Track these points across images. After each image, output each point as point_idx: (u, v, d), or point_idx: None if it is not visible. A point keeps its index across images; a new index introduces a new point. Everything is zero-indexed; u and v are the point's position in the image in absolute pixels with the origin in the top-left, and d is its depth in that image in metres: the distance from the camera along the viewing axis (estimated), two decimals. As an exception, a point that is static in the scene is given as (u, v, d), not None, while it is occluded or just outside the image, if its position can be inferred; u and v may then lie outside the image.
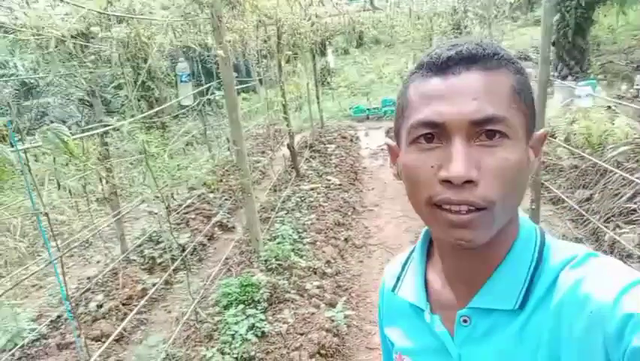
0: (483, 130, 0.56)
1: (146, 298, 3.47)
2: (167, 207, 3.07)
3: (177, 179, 5.09)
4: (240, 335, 3.01)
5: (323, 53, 11.11)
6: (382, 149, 8.48)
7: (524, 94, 0.59)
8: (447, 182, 0.56)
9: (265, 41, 5.87)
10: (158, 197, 2.92)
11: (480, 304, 0.63)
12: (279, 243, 4.29)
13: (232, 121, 3.37)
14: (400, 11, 4.90)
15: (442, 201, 0.57)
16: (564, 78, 10.04)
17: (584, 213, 3.97)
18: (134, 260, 4.54)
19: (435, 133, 0.58)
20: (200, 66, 9.10)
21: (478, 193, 0.55)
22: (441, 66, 0.58)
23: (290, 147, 6.25)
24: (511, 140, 0.56)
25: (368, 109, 10.80)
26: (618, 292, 0.50)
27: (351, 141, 8.98)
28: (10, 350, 3.27)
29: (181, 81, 4.16)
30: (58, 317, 3.79)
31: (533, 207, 3.46)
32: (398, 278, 0.79)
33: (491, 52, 0.58)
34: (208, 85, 4.27)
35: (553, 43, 11.55)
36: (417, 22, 6.37)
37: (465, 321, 0.64)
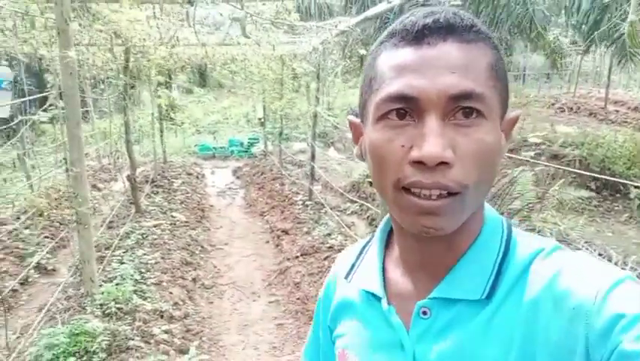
0: (459, 107, 0.51)
1: None
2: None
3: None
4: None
5: (167, 86, 10.67)
6: (230, 188, 8.32)
7: (500, 72, 0.54)
8: (419, 163, 0.50)
9: (108, 62, 5.32)
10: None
11: (443, 293, 0.57)
12: (117, 284, 3.75)
13: (73, 138, 2.88)
14: (259, 50, 4.94)
15: (411, 185, 0.52)
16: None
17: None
18: None
19: (407, 109, 0.52)
20: (24, 73, 7.73)
21: (452, 176, 0.50)
22: (415, 35, 0.52)
23: (131, 179, 5.66)
24: (488, 120, 0.52)
25: (215, 147, 10.62)
26: (606, 290, 0.47)
27: (197, 178, 8.63)
28: None
29: (-1, 88, 3.43)
30: None
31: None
32: (352, 266, 0.71)
33: (469, 23, 0.53)
34: (42, 94, 3.63)
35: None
36: (271, 64, 6.50)
37: (424, 313, 0.58)
